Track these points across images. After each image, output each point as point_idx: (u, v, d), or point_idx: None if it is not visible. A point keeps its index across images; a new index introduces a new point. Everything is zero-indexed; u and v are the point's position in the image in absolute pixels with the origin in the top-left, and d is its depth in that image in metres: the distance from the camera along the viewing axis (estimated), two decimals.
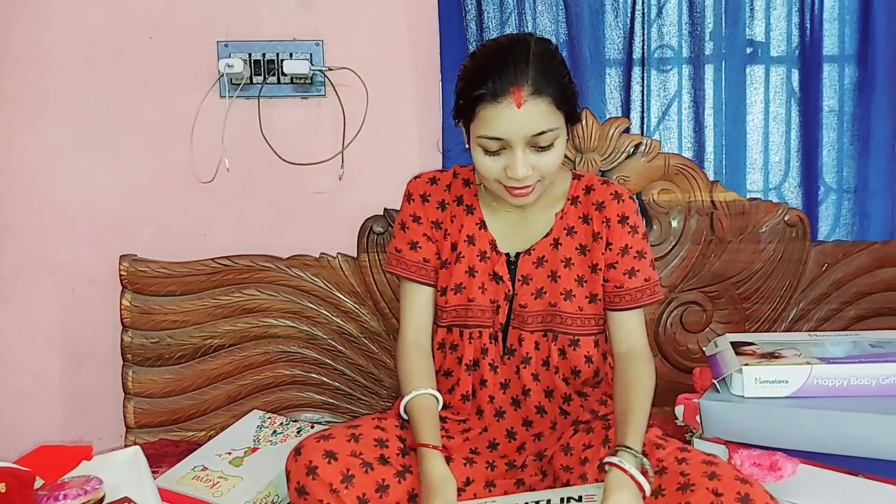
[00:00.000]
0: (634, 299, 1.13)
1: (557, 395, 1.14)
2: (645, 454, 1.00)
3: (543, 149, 1.01)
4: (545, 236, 1.15)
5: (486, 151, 1.02)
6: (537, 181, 1.04)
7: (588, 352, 1.14)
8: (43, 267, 1.57)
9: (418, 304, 1.19)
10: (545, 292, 1.14)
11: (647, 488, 0.95)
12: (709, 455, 1.00)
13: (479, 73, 1.00)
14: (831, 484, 1.02)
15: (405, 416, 1.11)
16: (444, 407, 1.17)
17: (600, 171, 1.54)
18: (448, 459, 1.09)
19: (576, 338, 1.14)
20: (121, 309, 1.47)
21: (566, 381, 1.15)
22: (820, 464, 1.04)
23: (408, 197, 1.20)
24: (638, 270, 1.13)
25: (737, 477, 0.93)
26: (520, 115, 0.98)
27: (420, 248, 1.18)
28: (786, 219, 1.55)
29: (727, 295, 1.58)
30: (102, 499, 0.81)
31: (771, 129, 1.62)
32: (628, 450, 0.98)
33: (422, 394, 1.10)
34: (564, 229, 1.15)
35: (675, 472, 0.97)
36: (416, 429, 1.08)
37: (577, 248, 1.14)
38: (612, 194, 1.14)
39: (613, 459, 0.96)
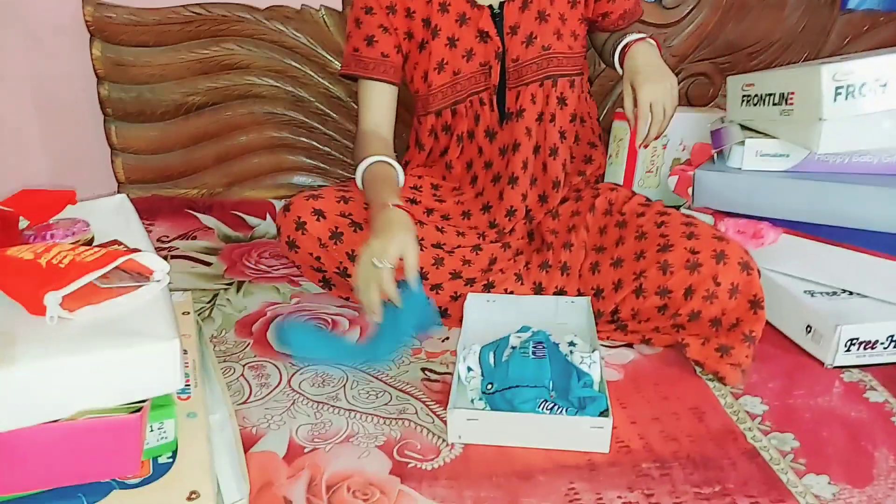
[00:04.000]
0: (625, 18, 1.14)
1: (544, 151, 1.12)
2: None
3: None
4: None
5: None
6: None
7: (580, 93, 1.14)
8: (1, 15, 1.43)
9: (378, 103, 1.10)
10: (535, 37, 1.08)
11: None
12: (688, 217, 1.02)
13: None
14: (810, 253, 1.05)
15: (363, 189, 1.05)
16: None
17: None
18: (444, 218, 1.10)
19: (573, 79, 1.11)
20: (92, 59, 1.37)
21: (562, 136, 1.12)
22: (803, 233, 1.05)
23: None
24: None
25: (714, 235, 0.96)
26: None
27: (377, 42, 1.07)
28: None
29: (739, 67, 1.49)
30: (91, 240, 0.81)
31: None
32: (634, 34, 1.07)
33: (377, 161, 1.03)
34: None
35: (654, 235, 0.99)
36: (373, 192, 1.00)
37: None
38: None
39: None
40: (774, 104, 1.09)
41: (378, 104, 1.11)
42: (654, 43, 1.08)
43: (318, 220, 1.03)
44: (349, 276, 1.04)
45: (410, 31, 1.08)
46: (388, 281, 0.88)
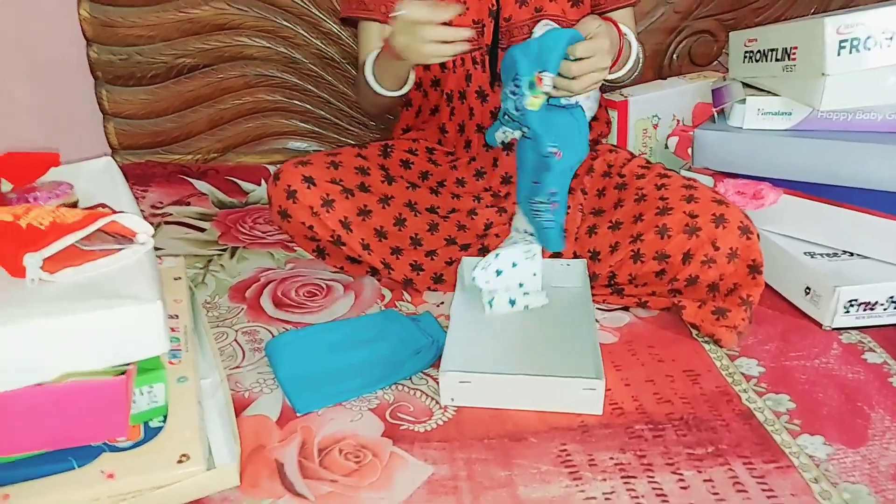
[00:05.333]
0: None
1: None
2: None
3: None
4: None
5: None
6: None
7: None
8: None
9: (377, 43, 1.08)
10: None
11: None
12: (689, 180, 0.99)
13: None
14: (811, 213, 1.02)
15: (376, 84, 1.04)
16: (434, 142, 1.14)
17: None
18: (440, 184, 1.08)
19: None
20: (80, 21, 1.35)
21: None
22: (804, 194, 1.03)
23: None
24: None
25: (713, 199, 0.94)
26: None
27: None
28: None
29: (744, 24, 1.45)
30: (76, 203, 0.80)
31: None
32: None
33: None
34: None
35: (654, 198, 0.97)
36: (385, 59, 1.00)
37: None
38: None
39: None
40: (777, 60, 1.06)
41: (377, 44, 1.08)
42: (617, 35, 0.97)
43: (308, 187, 1.01)
44: (343, 244, 1.03)
45: None
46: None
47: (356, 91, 1.12)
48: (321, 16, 1.39)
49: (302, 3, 1.38)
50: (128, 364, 0.65)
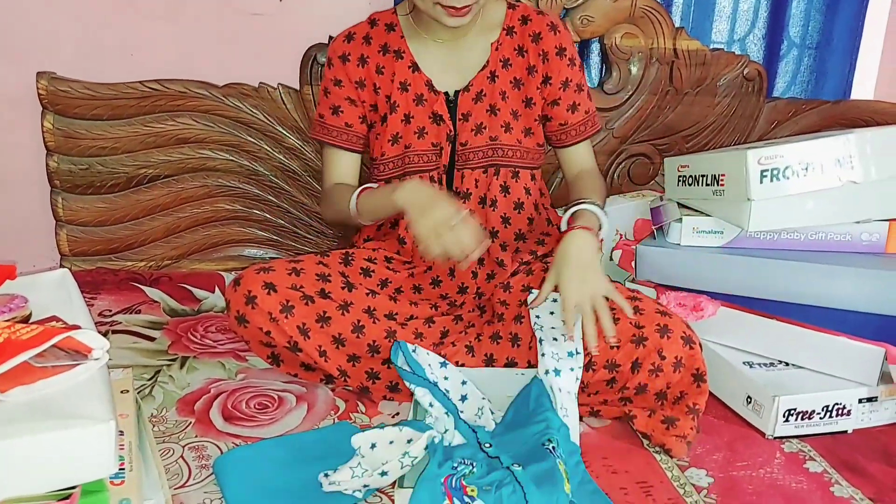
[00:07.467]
0: (579, 133, 1.19)
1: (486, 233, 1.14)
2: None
3: None
4: (482, 69, 1.13)
5: None
6: (474, 1, 1.02)
7: (526, 184, 1.17)
8: None
9: (341, 167, 1.18)
10: (485, 127, 1.13)
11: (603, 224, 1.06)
12: (633, 291, 1.05)
13: None
14: (746, 325, 1.09)
15: (361, 218, 1.12)
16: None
17: (564, 8, 1.46)
18: (397, 291, 1.12)
19: (516, 170, 1.15)
20: (43, 131, 1.37)
21: (506, 222, 1.16)
22: (739, 307, 1.10)
23: (328, 62, 1.17)
24: (579, 104, 1.16)
25: (657, 310, 0.99)
26: None
27: (342, 112, 1.16)
28: (744, 72, 1.53)
29: (676, 148, 1.58)
30: (29, 316, 0.79)
31: None
32: (585, 203, 1.07)
33: (365, 187, 1.11)
34: (500, 61, 1.14)
35: None
36: (379, 197, 1.08)
37: (511, 82, 1.14)
38: (548, 25, 1.14)
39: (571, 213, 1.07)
40: (707, 185, 1.16)
41: (341, 167, 1.18)
42: (595, 238, 1.03)
43: (268, 293, 1.03)
44: (300, 350, 1.03)
45: (376, 104, 1.15)
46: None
47: (323, 204, 1.22)
48: (285, 132, 1.46)
49: (267, 121, 1.44)
50: (72, 487, 0.63)
